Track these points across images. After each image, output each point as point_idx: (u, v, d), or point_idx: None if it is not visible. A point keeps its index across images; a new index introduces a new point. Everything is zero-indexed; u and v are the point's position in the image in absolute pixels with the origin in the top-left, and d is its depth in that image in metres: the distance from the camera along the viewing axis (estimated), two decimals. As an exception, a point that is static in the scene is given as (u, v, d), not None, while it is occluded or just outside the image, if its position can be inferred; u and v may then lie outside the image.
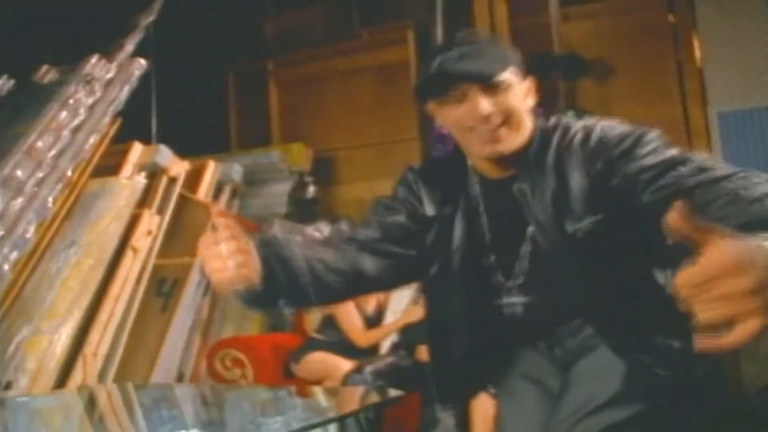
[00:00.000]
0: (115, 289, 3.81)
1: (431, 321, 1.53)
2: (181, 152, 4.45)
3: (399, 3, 5.58)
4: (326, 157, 5.39)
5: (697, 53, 4.78)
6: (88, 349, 3.69)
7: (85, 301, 3.54)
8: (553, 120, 1.45)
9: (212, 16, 5.29)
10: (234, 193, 4.91)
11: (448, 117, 1.39)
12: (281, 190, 4.96)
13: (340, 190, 5.40)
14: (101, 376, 3.80)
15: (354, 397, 2.17)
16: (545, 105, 5.46)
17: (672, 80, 4.78)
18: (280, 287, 1.32)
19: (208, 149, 5.02)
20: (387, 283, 1.56)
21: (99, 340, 3.75)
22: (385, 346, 3.38)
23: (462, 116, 1.36)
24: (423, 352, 3.23)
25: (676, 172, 1.20)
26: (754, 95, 4.61)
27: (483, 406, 2.58)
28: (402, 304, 3.41)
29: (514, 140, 1.37)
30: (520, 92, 1.39)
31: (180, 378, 4.25)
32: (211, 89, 5.71)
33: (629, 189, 1.25)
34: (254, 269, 1.26)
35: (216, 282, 1.25)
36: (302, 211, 4.99)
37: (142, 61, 4.16)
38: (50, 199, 3.61)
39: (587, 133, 1.37)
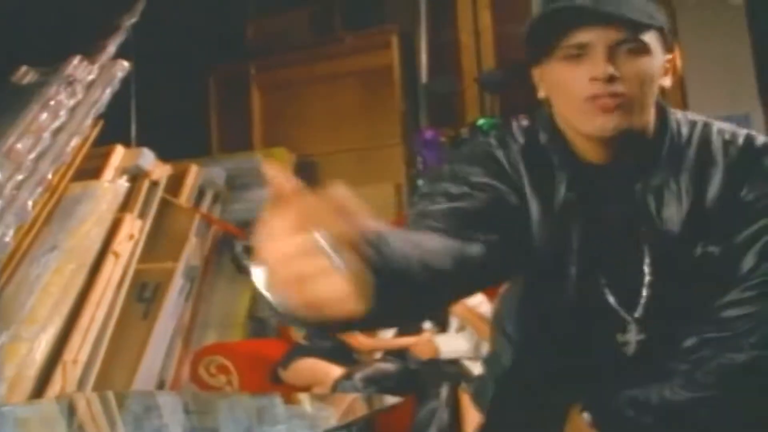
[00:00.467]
0: (96, 294, 3.73)
1: (523, 337, 1.28)
2: (162, 156, 4.38)
3: (383, 8, 5.57)
4: (309, 162, 5.35)
5: (678, 62, 4.83)
6: (68, 355, 3.61)
7: (65, 307, 3.47)
8: (690, 115, 1.20)
9: (194, 19, 5.23)
10: (216, 198, 4.85)
11: (557, 79, 1.10)
12: (264, 195, 4.88)
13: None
14: (81, 384, 3.72)
15: (350, 405, 2.14)
16: (529, 112, 5.51)
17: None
18: (392, 305, 0.75)
19: (188, 153, 4.96)
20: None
21: (79, 347, 3.67)
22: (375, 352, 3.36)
23: (578, 77, 1.06)
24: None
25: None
26: (733, 103, 4.68)
27: (473, 409, 2.57)
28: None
29: (634, 118, 1.08)
30: (658, 65, 1.10)
31: (161, 385, 4.18)
32: (193, 92, 5.64)
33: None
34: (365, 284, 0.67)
35: (298, 301, 0.65)
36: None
37: (125, 63, 4.09)
38: (30, 203, 3.53)
39: (746, 143, 1.15)
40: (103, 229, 3.70)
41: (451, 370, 3.05)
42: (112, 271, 3.85)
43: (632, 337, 1.14)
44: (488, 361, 1.44)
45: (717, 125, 1.18)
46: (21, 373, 3.31)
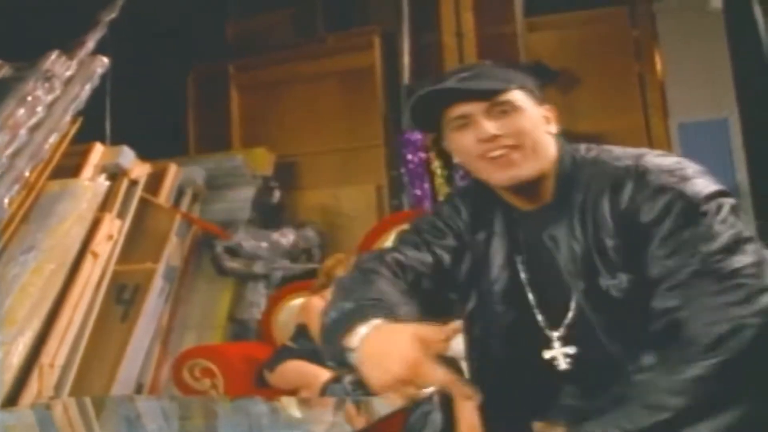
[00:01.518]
0: (74, 296, 3.63)
1: (473, 364, 1.38)
2: (138, 155, 4.29)
3: (365, 9, 5.55)
4: (289, 163, 5.30)
5: (659, 66, 4.90)
6: (45, 359, 3.50)
7: (44, 309, 3.37)
8: (593, 152, 1.28)
9: (174, 17, 5.14)
10: (195, 198, 4.77)
11: (455, 145, 1.27)
12: (244, 195, 4.84)
13: (304, 195, 5.31)
14: (58, 388, 3.61)
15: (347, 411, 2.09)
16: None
17: (634, 91, 4.89)
18: None
19: (165, 152, 4.86)
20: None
21: (56, 350, 3.56)
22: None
23: (469, 142, 1.23)
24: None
25: (664, 302, 1.10)
26: (713, 107, 4.75)
27: (468, 411, 2.54)
28: None
29: (530, 166, 1.22)
30: (533, 116, 1.24)
31: (138, 389, 4.08)
32: (170, 91, 5.54)
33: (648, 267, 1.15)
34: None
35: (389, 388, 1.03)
36: (266, 216, 4.88)
37: (105, 59, 4.00)
38: (6, 200, 3.43)
39: (625, 174, 1.21)
40: (83, 229, 3.60)
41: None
42: (90, 273, 3.75)
43: (563, 350, 1.27)
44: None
45: (614, 159, 1.25)
46: (-3, 378, 3.20)
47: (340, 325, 1.12)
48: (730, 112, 4.62)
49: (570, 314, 1.25)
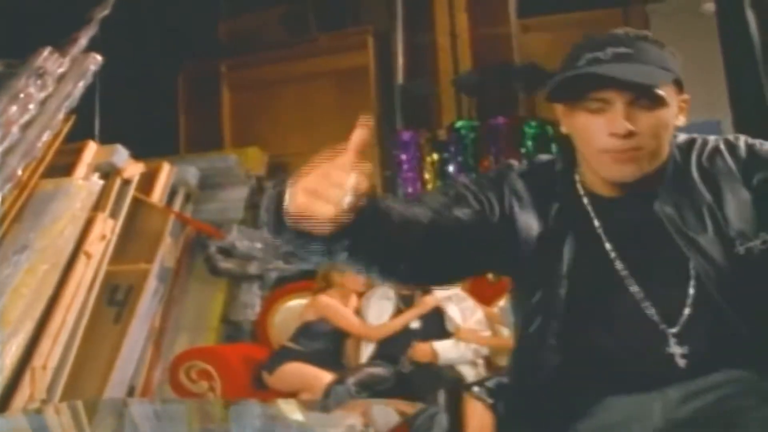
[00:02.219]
0: (66, 297, 3.57)
1: (521, 352, 1.29)
2: (129, 154, 4.22)
3: (358, 8, 5.53)
4: (282, 162, 5.25)
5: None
6: (38, 362, 3.44)
7: (37, 310, 3.31)
8: (683, 137, 1.25)
9: (165, 14, 5.08)
10: (188, 198, 4.71)
11: (579, 126, 1.16)
12: (237, 194, 4.79)
13: (297, 195, 5.27)
14: (50, 391, 3.55)
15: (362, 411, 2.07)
16: (505, 114, 5.47)
17: (628, 93, 4.90)
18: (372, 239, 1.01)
19: (155, 151, 4.80)
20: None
21: (49, 353, 3.50)
22: (364, 356, 3.28)
23: (597, 130, 1.13)
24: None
25: None
26: (705, 109, 4.76)
27: (478, 414, 2.53)
28: (384, 316, 3.31)
29: (649, 165, 1.15)
30: (673, 112, 1.15)
31: (130, 391, 4.02)
32: (161, 89, 5.48)
33: None
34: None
35: (305, 209, 0.91)
36: (259, 216, 4.83)
37: (98, 56, 3.94)
38: (-2, 199, 3.36)
39: (732, 144, 1.21)
40: (77, 229, 3.54)
41: (446, 375, 3.00)
42: (83, 273, 3.69)
43: (679, 350, 1.15)
44: (512, 367, 1.40)
45: (708, 138, 1.25)
46: (-11, 380, 3.14)
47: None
48: (723, 115, 4.65)
49: (688, 305, 1.15)
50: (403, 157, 4.90)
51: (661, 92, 1.11)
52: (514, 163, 1.32)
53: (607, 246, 1.20)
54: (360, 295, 3.52)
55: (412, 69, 5.17)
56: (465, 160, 4.74)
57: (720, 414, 1.10)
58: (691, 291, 1.15)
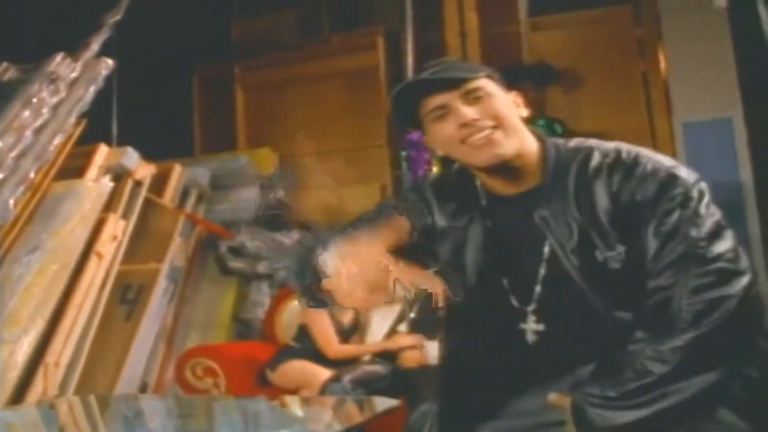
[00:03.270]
0: (78, 296, 3.67)
1: (448, 343, 1.46)
2: (144, 156, 4.31)
3: (369, 9, 5.56)
4: (294, 163, 5.32)
5: (663, 65, 4.88)
6: (50, 358, 3.54)
7: (48, 309, 3.40)
8: (573, 142, 1.39)
9: (179, 17, 5.17)
10: (200, 198, 4.80)
11: (439, 137, 1.35)
12: (248, 195, 4.86)
13: (308, 195, 5.32)
14: (62, 387, 3.65)
15: (345, 409, 2.12)
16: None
17: (638, 90, 4.87)
18: None
19: (171, 153, 4.89)
20: None
21: (61, 350, 3.60)
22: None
23: (450, 130, 1.31)
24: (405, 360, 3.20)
25: (657, 281, 1.23)
26: (716, 106, 4.72)
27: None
28: (388, 320, 3.36)
29: (511, 144, 1.30)
30: (506, 100, 1.34)
31: (143, 388, 4.12)
32: (176, 92, 5.58)
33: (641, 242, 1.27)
34: None
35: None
36: (270, 216, 4.90)
37: (109, 61, 4.04)
38: (11, 202, 3.47)
39: (613, 161, 1.31)
40: (87, 229, 3.63)
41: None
42: (95, 273, 3.78)
43: (534, 326, 1.35)
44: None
45: (597, 145, 1.36)
46: (2, 376, 3.24)
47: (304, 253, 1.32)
48: (735, 111, 4.59)
49: (539, 287, 1.34)
50: (413, 156, 4.94)
51: (479, 84, 1.31)
52: (430, 174, 1.52)
53: (494, 239, 1.38)
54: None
55: (422, 68, 5.19)
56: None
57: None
58: (542, 271, 1.33)
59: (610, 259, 1.27)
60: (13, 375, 3.30)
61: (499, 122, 1.30)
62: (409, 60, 5.18)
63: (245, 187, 4.90)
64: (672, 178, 1.26)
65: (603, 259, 1.27)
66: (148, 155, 4.35)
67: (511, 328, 1.36)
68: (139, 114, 4.96)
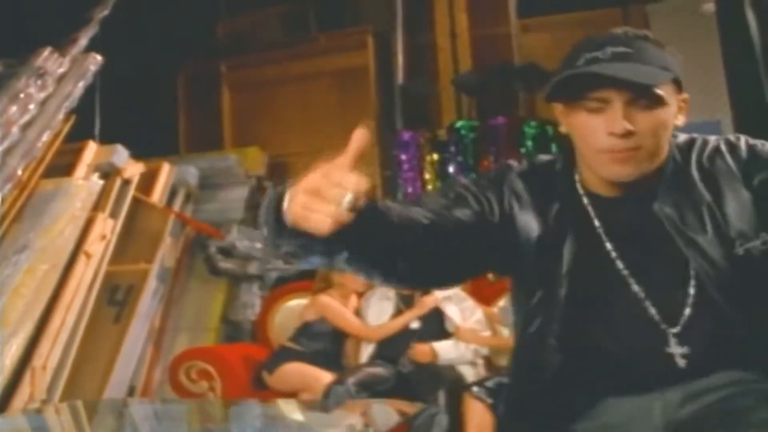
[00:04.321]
0: (67, 297, 3.57)
1: (521, 353, 1.29)
2: (130, 154, 4.22)
3: (358, 8, 5.52)
4: (282, 162, 5.25)
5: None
6: (38, 362, 3.44)
7: (37, 310, 3.31)
8: (683, 137, 1.24)
9: (164, 14, 5.08)
10: (188, 198, 4.71)
11: (578, 125, 1.16)
12: (237, 194, 4.79)
13: (296, 196, 5.27)
14: (50, 391, 3.55)
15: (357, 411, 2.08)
16: (505, 114, 5.44)
17: (628, 93, 4.90)
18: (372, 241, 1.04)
19: (155, 151, 4.80)
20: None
21: (49, 353, 3.50)
22: (364, 356, 3.28)
23: (595, 129, 1.12)
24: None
25: None
26: (705, 109, 4.77)
27: (478, 414, 2.53)
28: (384, 316, 3.31)
29: (648, 164, 1.15)
30: (672, 112, 1.14)
31: (130, 392, 4.02)
32: (161, 89, 5.48)
33: None
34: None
35: (306, 208, 0.92)
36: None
37: (98, 57, 3.94)
38: (-2, 200, 3.37)
39: (733, 144, 1.20)
40: (77, 229, 3.54)
41: (446, 375, 3.00)
42: (83, 273, 3.69)
43: (679, 350, 1.15)
44: (512, 368, 1.39)
45: (709, 138, 1.24)
46: (-11, 380, 3.14)
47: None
48: (723, 115, 4.65)
49: (689, 305, 1.15)
50: (403, 157, 4.90)
51: (660, 92, 1.10)
52: (514, 163, 1.32)
53: (608, 246, 1.19)
54: (360, 295, 3.52)
55: (411, 69, 5.17)
56: (465, 160, 4.73)
57: (720, 415, 1.09)
58: (692, 291, 1.15)
59: (753, 250, 1.12)
60: (0, 379, 3.20)
61: (650, 140, 1.13)
62: (399, 60, 5.15)
63: (234, 186, 4.83)
64: None
65: (744, 251, 1.12)
66: (132, 153, 4.26)
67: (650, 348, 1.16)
68: (124, 111, 4.85)
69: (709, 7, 4.78)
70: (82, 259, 3.68)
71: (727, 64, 4.65)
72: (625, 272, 1.18)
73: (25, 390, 3.38)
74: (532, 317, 1.23)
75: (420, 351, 3.13)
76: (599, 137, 1.12)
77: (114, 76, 4.57)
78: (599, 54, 1.12)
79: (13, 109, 3.56)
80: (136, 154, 4.32)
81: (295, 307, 3.80)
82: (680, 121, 1.18)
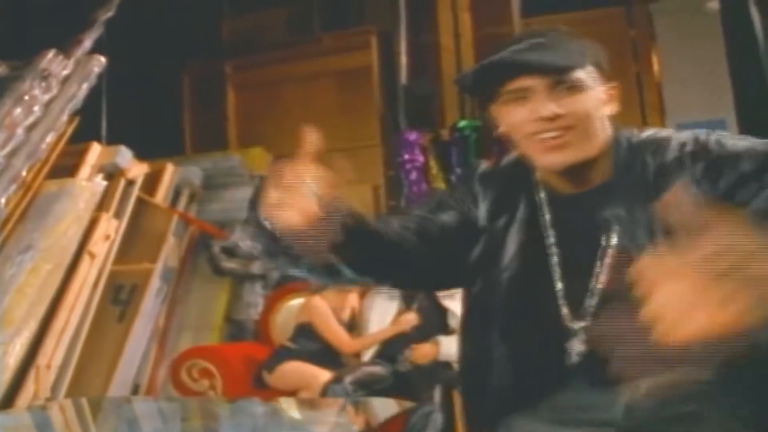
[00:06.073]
0: (70, 296, 3.61)
1: (465, 348, 1.32)
2: (134, 154, 4.25)
3: (362, 8, 5.54)
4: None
5: (656, 67, 4.91)
6: (42, 360, 3.48)
7: (41, 309, 3.34)
8: (646, 133, 1.22)
9: (170, 15, 5.11)
10: (192, 198, 4.74)
11: (507, 118, 1.17)
12: (241, 195, 4.80)
13: (300, 196, 5.29)
14: (54, 390, 3.59)
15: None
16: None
17: (632, 92, 4.89)
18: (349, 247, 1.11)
19: (161, 152, 4.83)
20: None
21: (53, 351, 3.54)
22: (366, 355, 3.29)
23: (523, 119, 1.14)
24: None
25: None
26: (710, 107, 4.77)
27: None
28: (388, 316, 3.33)
29: (583, 149, 1.15)
30: (598, 96, 1.16)
31: (135, 390, 4.06)
32: (166, 90, 5.52)
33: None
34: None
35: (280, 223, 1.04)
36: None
37: (102, 58, 3.97)
38: (3, 200, 3.40)
39: (700, 144, 1.16)
40: (80, 229, 3.57)
41: (443, 373, 3.01)
42: (87, 273, 3.72)
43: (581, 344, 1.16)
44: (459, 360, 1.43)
45: (672, 137, 1.20)
46: (-6, 379, 3.18)
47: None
48: (727, 113, 4.63)
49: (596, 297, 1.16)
50: (406, 156, 4.92)
51: (579, 75, 1.13)
52: (480, 163, 1.36)
53: (551, 240, 1.21)
54: (362, 294, 3.53)
55: (415, 69, 5.18)
56: (468, 160, 4.75)
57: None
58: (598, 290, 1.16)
59: None
60: (5, 377, 3.24)
61: (580, 123, 1.14)
62: (403, 60, 5.17)
63: (238, 186, 4.85)
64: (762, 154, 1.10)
65: None
66: (138, 154, 4.29)
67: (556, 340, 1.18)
68: (130, 112, 4.89)
69: (714, 5, 4.77)
70: (86, 259, 3.71)
71: (731, 63, 4.63)
72: (555, 267, 1.20)
73: (30, 389, 3.41)
74: (472, 307, 1.31)
75: (421, 353, 3.14)
76: (528, 124, 1.14)
77: (120, 77, 4.61)
78: (516, 46, 1.16)
79: (18, 111, 3.59)
80: (142, 155, 4.35)
81: (297, 306, 3.82)
82: (611, 109, 1.19)
